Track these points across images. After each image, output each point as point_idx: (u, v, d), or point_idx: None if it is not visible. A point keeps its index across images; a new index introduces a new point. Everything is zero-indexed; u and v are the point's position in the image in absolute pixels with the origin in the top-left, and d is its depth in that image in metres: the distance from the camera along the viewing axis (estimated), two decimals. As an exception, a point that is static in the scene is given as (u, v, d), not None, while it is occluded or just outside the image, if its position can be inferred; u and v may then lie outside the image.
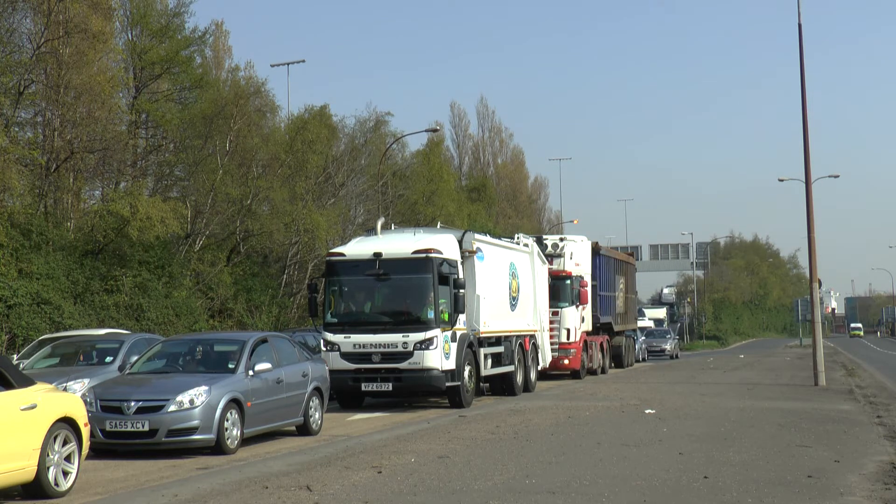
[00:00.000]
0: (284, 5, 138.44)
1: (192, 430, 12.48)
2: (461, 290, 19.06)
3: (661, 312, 65.57)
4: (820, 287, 27.23)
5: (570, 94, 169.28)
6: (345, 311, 19.55)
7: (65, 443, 9.75)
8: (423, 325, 18.67)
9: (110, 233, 27.81)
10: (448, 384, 18.90)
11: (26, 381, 9.69)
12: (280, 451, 12.99)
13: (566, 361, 28.57)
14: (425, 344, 18.48)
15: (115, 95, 29.49)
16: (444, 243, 19.66)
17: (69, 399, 10.19)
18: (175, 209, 29.04)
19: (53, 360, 16.40)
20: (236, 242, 34.87)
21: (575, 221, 69.30)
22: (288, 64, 51.16)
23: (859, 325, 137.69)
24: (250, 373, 13.56)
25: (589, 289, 29.91)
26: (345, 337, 18.96)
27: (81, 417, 10.05)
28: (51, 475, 9.52)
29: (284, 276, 37.07)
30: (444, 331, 18.74)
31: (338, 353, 18.84)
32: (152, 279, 28.48)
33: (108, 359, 15.87)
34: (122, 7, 31.87)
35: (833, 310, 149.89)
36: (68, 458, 9.80)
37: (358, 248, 20.04)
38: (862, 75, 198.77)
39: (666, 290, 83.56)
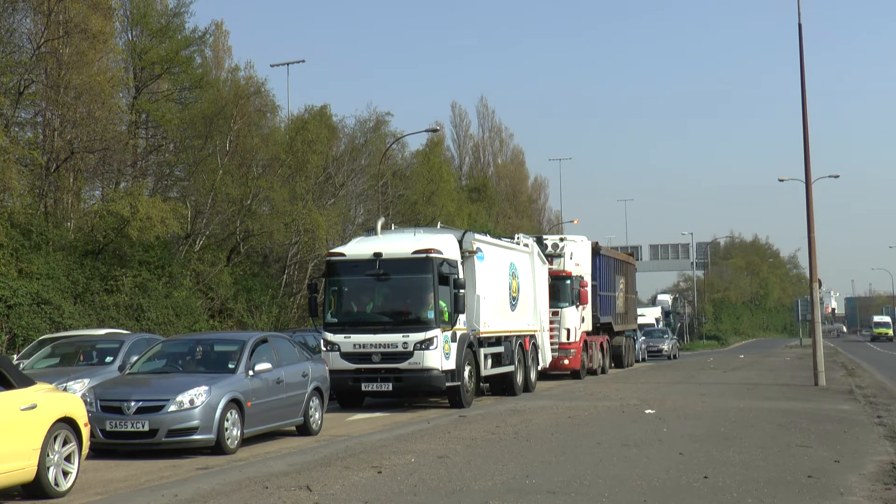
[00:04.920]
0: (284, 5, 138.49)
1: (192, 430, 12.48)
2: (461, 290, 19.05)
3: (656, 312, 65.30)
4: (820, 287, 27.24)
5: (570, 95, 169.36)
6: (345, 311, 19.55)
7: (65, 443, 9.75)
8: (423, 325, 18.67)
9: (110, 233, 27.83)
10: (448, 384, 18.90)
11: (26, 381, 9.69)
12: (280, 451, 12.98)
13: (566, 361, 28.57)
14: (425, 344, 18.48)
15: (115, 95, 29.51)
16: (444, 243, 19.67)
17: (69, 399, 10.19)
18: (175, 209, 29.07)
19: (53, 360, 16.40)
20: (236, 242, 34.88)
21: (575, 221, 69.35)
22: (288, 64, 51.26)
23: (887, 318, 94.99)
24: (250, 373, 13.56)
25: (589, 289, 29.91)
26: (345, 337, 18.96)
27: (81, 417, 10.05)
28: (51, 475, 9.52)
29: (284, 276, 37.08)
30: (444, 331, 18.74)
31: (338, 353, 18.84)
32: (152, 279, 28.49)
33: (108, 359, 15.86)
34: (122, 7, 31.91)
35: (833, 310, 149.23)
36: (68, 458, 9.80)
37: (358, 248, 20.04)
38: (862, 75, 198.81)
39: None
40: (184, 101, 33.75)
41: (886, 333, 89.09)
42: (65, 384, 14.03)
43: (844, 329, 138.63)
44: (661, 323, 63.64)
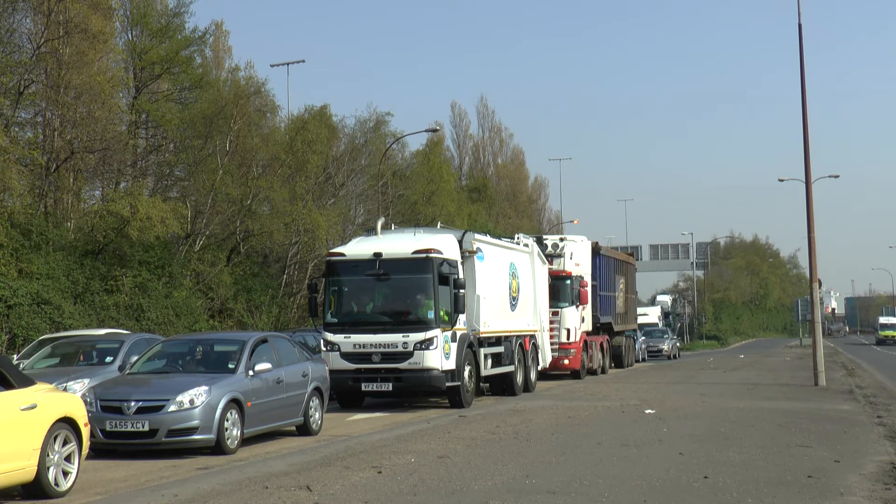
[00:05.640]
0: (284, 5, 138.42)
1: (192, 430, 12.48)
2: (461, 290, 19.06)
3: (656, 312, 65.24)
4: (820, 287, 27.25)
5: (570, 95, 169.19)
6: (345, 311, 19.55)
7: (65, 443, 9.75)
8: (423, 325, 18.67)
9: (110, 233, 27.83)
10: (448, 384, 18.90)
11: (26, 381, 9.69)
12: (280, 451, 12.99)
13: (566, 361, 28.58)
14: (425, 344, 18.49)
15: (115, 95, 29.51)
16: (444, 243, 19.67)
17: (69, 399, 10.19)
18: (175, 209, 29.07)
19: (53, 360, 16.40)
20: (236, 242, 34.88)
21: (575, 221, 69.35)
22: (288, 64, 51.26)
23: (894, 319, 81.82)
24: (250, 373, 13.56)
25: (589, 289, 29.92)
26: (345, 337, 18.97)
27: (81, 417, 10.05)
28: (51, 475, 9.52)
29: (284, 276, 37.09)
30: (444, 331, 18.74)
31: (338, 353, 18.84)
32: (152, 279, 28.50)
33: (108, 359, 15.87)
34: (122, 7, 31.91)
35: (833, 310, 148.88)
36: (68, 458, 9.80)
37: (358, 248, 20.05)
38: (862, 75, 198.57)
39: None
40: (184, 101, 33.75)
41: (894, 336, 76.80)
42: (65, 384, 14.03)
43: (847, 329, 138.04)
44: (661, 323, 63.62)
